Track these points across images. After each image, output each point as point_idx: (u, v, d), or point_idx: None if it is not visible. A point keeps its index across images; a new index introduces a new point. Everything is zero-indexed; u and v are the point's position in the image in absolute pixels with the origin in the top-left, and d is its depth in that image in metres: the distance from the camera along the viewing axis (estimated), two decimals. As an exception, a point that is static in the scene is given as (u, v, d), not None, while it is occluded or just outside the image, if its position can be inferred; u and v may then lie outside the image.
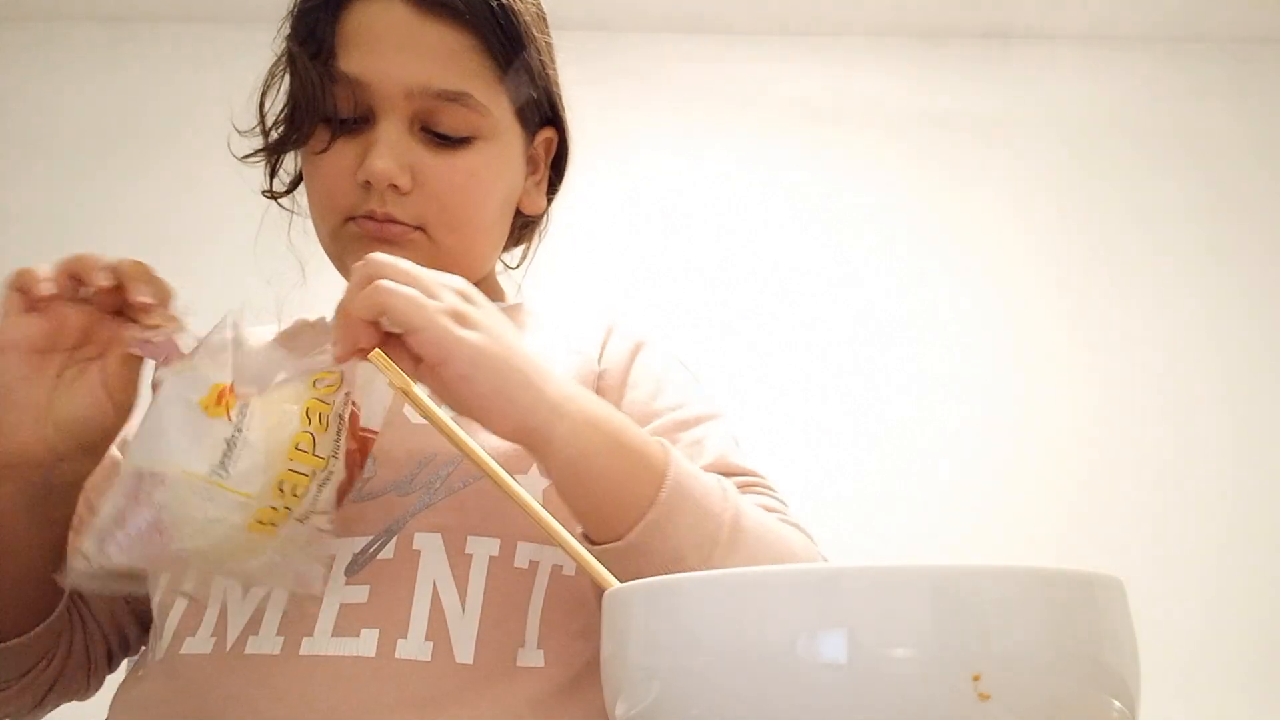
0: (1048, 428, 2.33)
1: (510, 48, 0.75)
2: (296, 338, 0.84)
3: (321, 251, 0.81)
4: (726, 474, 0.69)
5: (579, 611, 0.68)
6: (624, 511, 0.59)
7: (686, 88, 2.49)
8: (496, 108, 0.75)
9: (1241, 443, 2.32)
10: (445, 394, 0.57)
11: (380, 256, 0.58)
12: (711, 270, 2.39)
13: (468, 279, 0.80)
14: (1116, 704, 0.39)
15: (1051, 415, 2.34)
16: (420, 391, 0.56)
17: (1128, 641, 0.40)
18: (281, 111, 0.77)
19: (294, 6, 0.77)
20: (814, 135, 2.48)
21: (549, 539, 0.68)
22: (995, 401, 2.34)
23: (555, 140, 0.84)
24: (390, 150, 0.72)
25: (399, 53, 0.72)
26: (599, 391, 0.75)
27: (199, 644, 0.65)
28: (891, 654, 0.36)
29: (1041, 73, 2.52)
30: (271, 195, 0.84)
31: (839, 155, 2.47)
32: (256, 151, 0.80)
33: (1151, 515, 2.27)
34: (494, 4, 0.74)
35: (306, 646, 0.62)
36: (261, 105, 0.78)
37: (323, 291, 0.85)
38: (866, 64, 2.52)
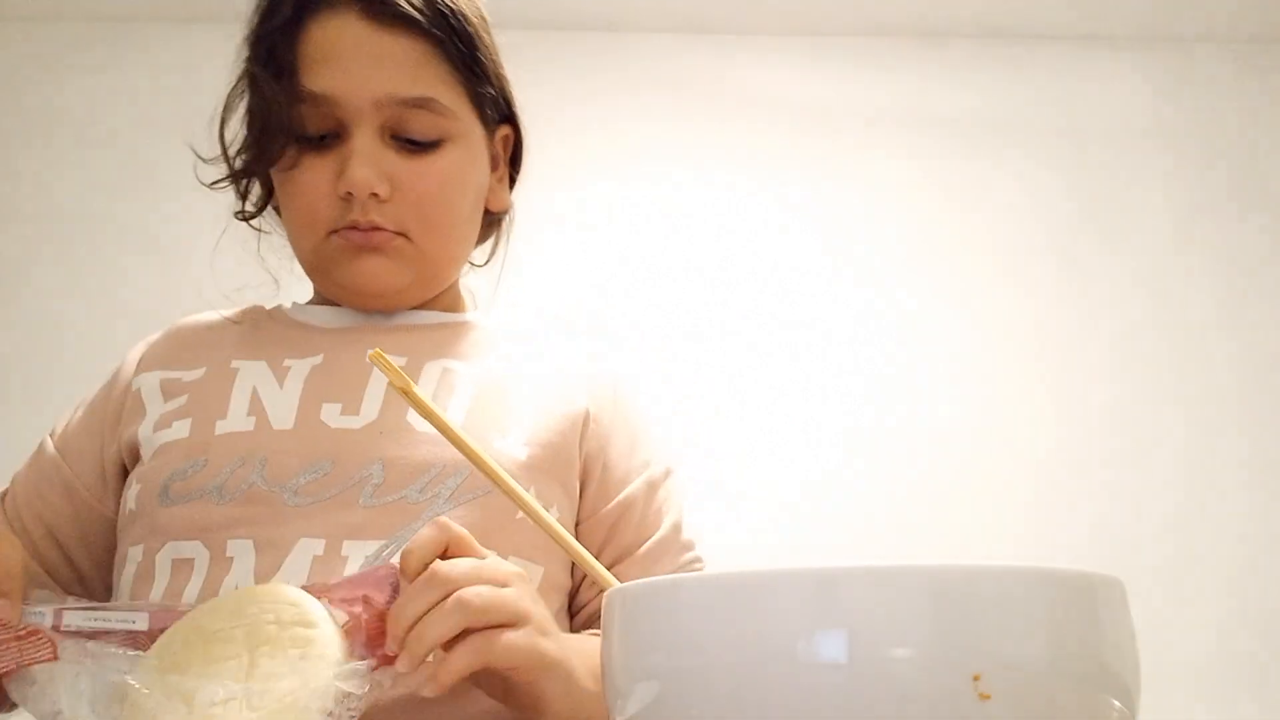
0: (1049, 428, 2.33)
1: (466, 50, 0.78)
2: (258, 327, 0.84)
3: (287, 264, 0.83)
4: (679, 550, 0.79)
5: (563, 625, 0.73)
6: None
7: (686, 88, 2.49)
8: (460, 109, 0.78)
9: (1245, 442, 2.32)
10: (501, 691, 0.59)
11: (445, 567, 0.56)
12: (711, 270, 2.39)
13: (444, 281, 0.83)
14: (1116, 704, 0.39)
15: (1053, 415, 2.34)
16: (421, 393, 0.56)
17: (1128, 641, 0.40)
18: (245, 135, 0.79)
19: (251, 31, 0.78)
20: (814, 135, 2.48)
21: (541, 557, 0.72)
22: (997, 401, 2.34)
23: (512, 136, 0.87)
24: (368, 160, 0.74)
25: (363, 66, 0.74)
26: (586, 436, 0.78)
27: None
28: (891, 654, 0.36)
29: (1041, 73, 2.51)
30: (244, 217, 0.85)
31: (838, 155, 2.47)
32: (224, 177, 0.82)
33: (1152, 515, 2.27)
34: (445, 10, 0.76)
35: None
36: (222, 131, 0.80)
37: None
38: (866, 64, 2.52)
